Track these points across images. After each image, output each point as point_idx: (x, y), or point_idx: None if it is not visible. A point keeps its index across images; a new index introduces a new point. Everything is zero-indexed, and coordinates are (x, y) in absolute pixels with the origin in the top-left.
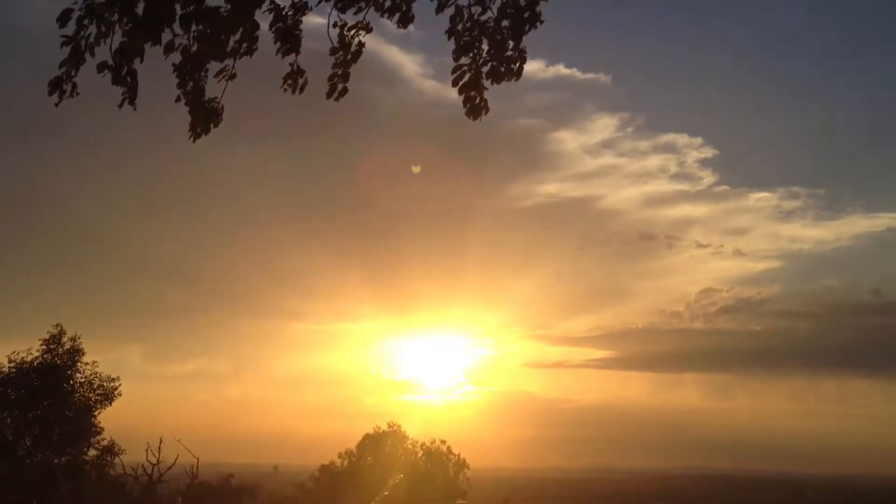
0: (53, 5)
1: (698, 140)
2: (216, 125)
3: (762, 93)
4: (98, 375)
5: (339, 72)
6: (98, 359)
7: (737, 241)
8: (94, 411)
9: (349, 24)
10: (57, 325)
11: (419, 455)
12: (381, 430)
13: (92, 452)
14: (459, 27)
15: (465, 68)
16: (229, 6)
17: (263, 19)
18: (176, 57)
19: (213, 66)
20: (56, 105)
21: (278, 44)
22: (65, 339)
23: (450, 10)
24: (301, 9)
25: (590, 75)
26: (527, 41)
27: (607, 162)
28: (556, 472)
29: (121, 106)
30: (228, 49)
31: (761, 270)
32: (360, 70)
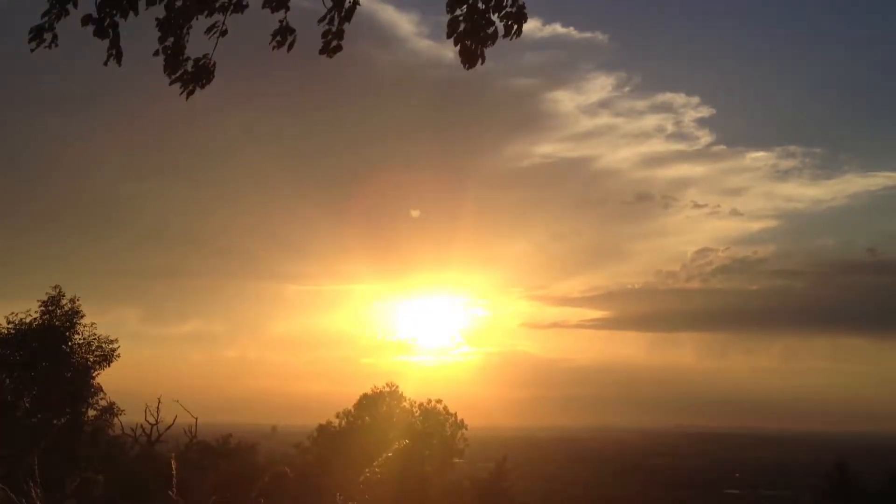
0: None
1: (695, 99)
2: (208, 82)
3: (760, 52)
4: (97, 337)
5: (334, 28)
6: (96, 321)
7: (733, 200)
8: (93, 372)
9: None
10: (56, 286)
11: (416, 415)
12: (378, 391)
13: (91, 413)
14: None
15: (461, 19)
16: None
17: None
18: (160, 10)
19: (201, 24)
20: (31, 51)
21: None
22: (64, 301)
23: None
24: None
25: (586, 34)
26: None
27: (604, 122)
28: (553, 430)
29: (106, 62)
30: (217, 4)
31: (757, 230)
32: (355, 29)
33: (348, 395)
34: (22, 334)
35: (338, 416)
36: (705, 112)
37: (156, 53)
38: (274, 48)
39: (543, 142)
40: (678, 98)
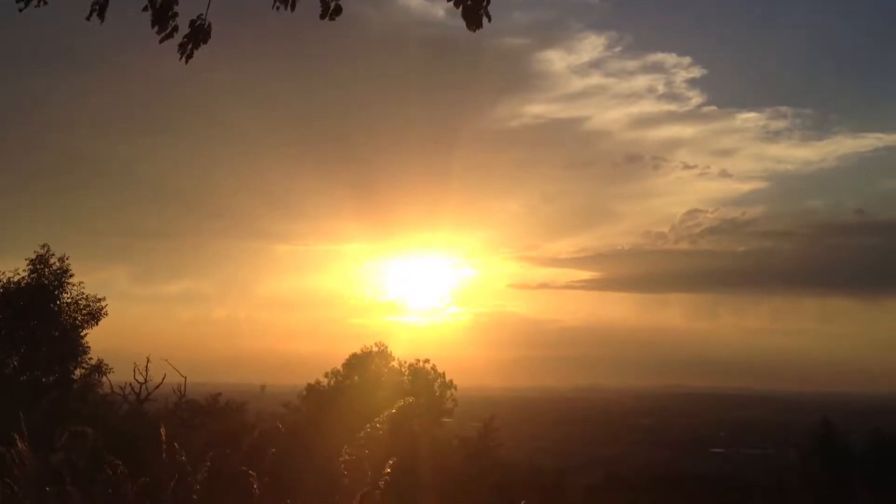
0: None
1: (687, 59)
2: (205, 43)
3: (752, 12)
4: (85, 296)
5: None
6: (84, 280)
7: (723, 161)
8: (81, 331)
9: None
10: (44, 245)
11: (405, 375)
12: (367, 350)
13: (79, 371)
14: None
15: None
16: None
17: None
18: None
19: None
20: (20, 11)
21: None
22: (52, 260)
23: None
24: None
25: None
26: None
27: (594, 82)
28: (541, 391)
29: (88, 17)
30: None
31: (747, 191)
32: None
33: (337, 355)
34: (10, 293)
35: (326, 375)
36: (696, 72)
37: (144, 9)
38: (277, 9)
39: (534, 102)
40: (669, 58)
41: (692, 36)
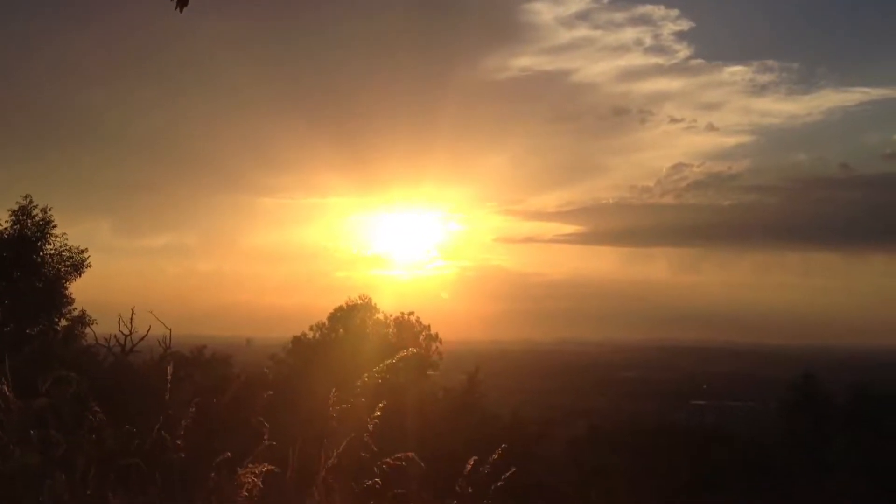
0: None
1: (675, 12)
2: None
3: None
4: (68, 247)
5: None
6: (66, 232)
7: (709, 115)
8: (65, 282)
9: None
10: (26, 196)
11: (390, 328)
12: (351, 303)
13: (63, 323)
14: None
15: None
16: None
17: None
18: None
19: None
20: None
21: None
22: (35, 211)
23: None
24: None
25: None
26: None
27: (582, 34)
28: (526, 344)
29: None
30: None
31: (733, 145)
32: None
33: (323, 309)
34: None
35: (312, 328)
36: (684, 25)
37: None
38: None
39: (521, 54)
40: (657, 10)
41: None
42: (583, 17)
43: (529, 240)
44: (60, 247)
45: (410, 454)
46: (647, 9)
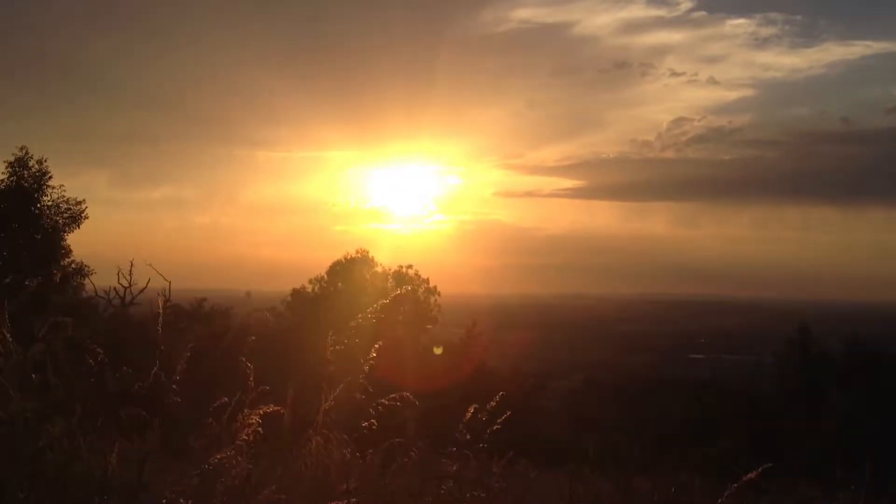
0: None
1: None
2: None
3: None
4: (65, 199)
5: None
6: (64, 184)
7: (711, 68)
8: (62, 234)
9: None
10: (22, 147)
11: (389, 281)
12: (350, 257)
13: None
14: None
15: None
16: None
17: None
18: None
19: None
20: None
21: None
22: (31, 163)
23: None
24: None
25: None
26: None
27: None
28: (525, 298)
29: None
30: None
31: (734, 99)
32: None
33: (322, 262)
34: None
35: (311, 282)
36: None
37: None
38: None
39: (521, 6)
40: None
41: None
42: None
43: (529, 194)
44: (58, 198)
45: (406, 394)
46: None
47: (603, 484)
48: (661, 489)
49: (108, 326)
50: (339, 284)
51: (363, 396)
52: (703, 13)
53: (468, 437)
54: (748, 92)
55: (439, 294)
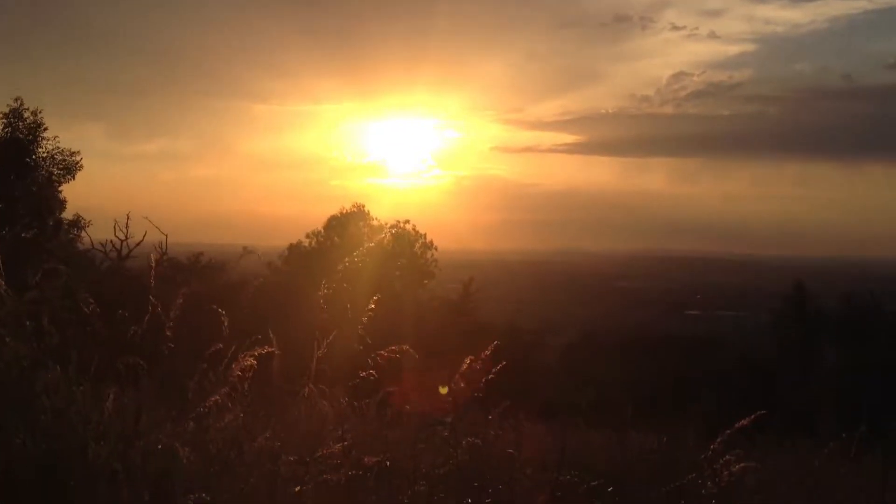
0: None
1: None
2: None
3: None
4: (60, 149)
5: None
6: (59, 136)
7: (712, 23)
8: (58, 185)
9: None
10: (17, 98)
11: (386, 236)
12: (346, 211)
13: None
14: None
15: None
16: None
17: None
18: None
19: None
20: None
21: None
22: (26, 114)
23: None
24: None
25: None
26: None
27: None
28: (523, 254)
29: None
30: None
31: (734, 54)
32: None
33: (317, 217)
34: None
35: (308, 236)
36: None
37: None
38: None
39: None
40: None
41: None
42: None
43: (528, 149)
44: (53, 149)
45: (405, 346)
46: None
47: (595, 436)
48: (653, 442)
49: (104, 279)
50: (336, 239)
51: (361, 347)
52: None
53: (463, 385)
54: (749, 47)
55: (436, 249)
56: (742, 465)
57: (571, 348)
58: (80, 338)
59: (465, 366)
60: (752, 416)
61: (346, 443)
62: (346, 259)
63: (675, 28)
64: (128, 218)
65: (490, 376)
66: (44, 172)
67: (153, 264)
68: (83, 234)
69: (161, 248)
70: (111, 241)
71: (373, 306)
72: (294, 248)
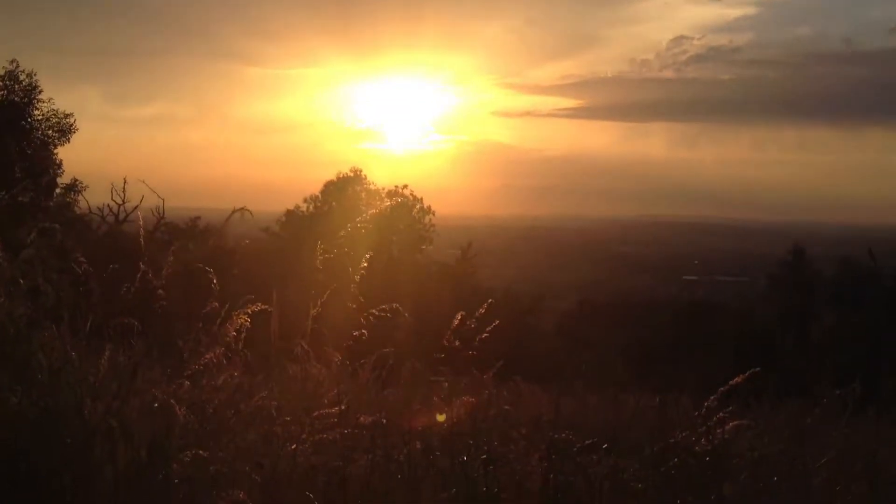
0: None
1: None
2: None
3: None
4: (55, 112)
5: None
6: (55, 99)
7: None
8: (53, 148)
9: None
10: (13, 60)
11: (383, 200)
12: (343, 176)
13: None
14: None
15: None
16: None
17: None
18: None
19: None
20: None
21: None
22: (22, 76)
23: None
24: None
25: None
26: None
27: None
28: (522, 220)
29: None
30: None
31: (735, 18)
32: None
33: (314, 181)
34: None
35: (305, 201)
36: None
37: None
38: None
39: None
40: None
41: None
42: None
43: (528, 114)
44: (48, 112)
45: (396, 305)
46: None
47: (592, 398)
48: (648, 403)
49: (101, 241)
50: (333, 203)
51: (354, 306)
52: None
53: (457, 343)
54: (749, 10)
55: (434, 214)
56: (735, 422)
57: (570, 313)
58: (74, 297)
59: (456, 322)
60: (747, 374)
61: (342, 403)
62: (348, 225)
63: None
64: (125, 182)
65: (485, 335)
66: (39, 135)
67: (141, 223)
68: (80, 197)
69: (159, 212)
70: (108, 205)
71: (365, 265)
72: (291, 214)
